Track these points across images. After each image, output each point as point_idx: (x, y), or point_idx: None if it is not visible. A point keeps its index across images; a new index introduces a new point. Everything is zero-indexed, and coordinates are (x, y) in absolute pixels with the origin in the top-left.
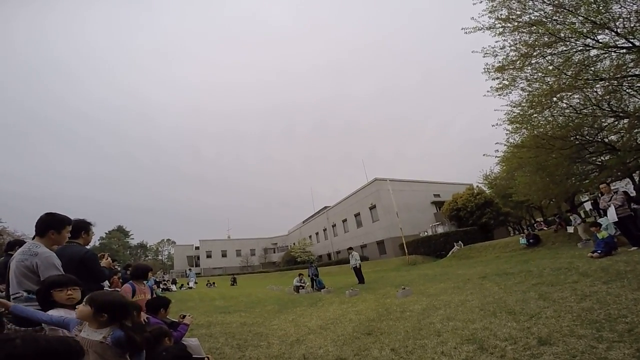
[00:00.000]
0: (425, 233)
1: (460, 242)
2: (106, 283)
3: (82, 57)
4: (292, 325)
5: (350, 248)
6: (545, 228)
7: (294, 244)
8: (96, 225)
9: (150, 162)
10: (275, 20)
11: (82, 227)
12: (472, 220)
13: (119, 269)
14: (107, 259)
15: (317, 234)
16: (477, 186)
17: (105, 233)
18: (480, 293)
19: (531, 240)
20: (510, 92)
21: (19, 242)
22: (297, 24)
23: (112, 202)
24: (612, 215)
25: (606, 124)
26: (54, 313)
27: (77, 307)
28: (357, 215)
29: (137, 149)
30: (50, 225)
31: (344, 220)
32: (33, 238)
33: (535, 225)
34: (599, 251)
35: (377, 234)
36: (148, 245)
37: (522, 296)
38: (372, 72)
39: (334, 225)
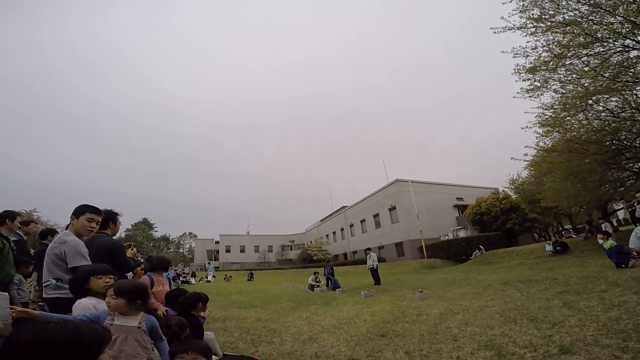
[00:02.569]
0: (446, 237)
1: (482, 247)
2: (130, 275)
3: (107, 55)
4: (306, 323)
5: (368, 249)
6: (574, 236)
7: (311, 242)
8: (122, 216)
9: (174, 156)
10: (292, 15)
11: (109, 218)
12: (495, 225)
13: (142, 260)
14: (133, 249)
15: (334, 233)
16: (503, 190)
17: (131, 225)
18: (501, 299)
19: (558, 248)
20: (542, 94)
21: (51, 231)
22: (313, 18)
23: (138, 194)
24: None
25: None
26: (86, 301)
27: (106, 300)
28: (375, 215)
29: (162, 143)
30: (72, 212)
31: (362, 221)
32: (66, 228)
33: (563, 232)
34: (622, 264)
35: (396, 235)
36: (170, 238)
37: (546, 304)
38: (392, 70)
39: (351, 225)
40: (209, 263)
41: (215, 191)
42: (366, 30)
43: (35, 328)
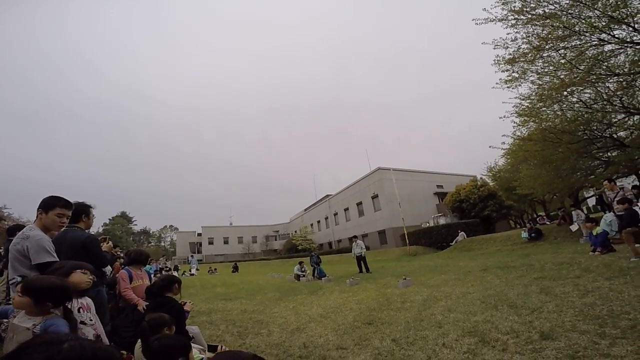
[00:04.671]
0: (427, 224)
1: (463, 232)
2: (108, 269)
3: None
4: (293, 313)
5: (355, 236)
6: (547, 222)
7: (296, 232)
8: (96, 208)
9: (150, 145)
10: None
11: (82, 211)
12: (474, 212)
13: (121, 254)
14: (109, 243)
15: (318, 222)
16: (481, 178)
17: (109, 219)
18: (481, 285)
19: (533, 234)
20: (519, 85)
21: (19, 227)
22: (296, 9)
23: (114, 184)
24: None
25: (616, 119)
26: None
27: (13, 297)
28: (359, 204)
29: (137, 130)
30: (39, 205)
31: (346, 209)
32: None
33: (537, 219)
34: (599, 249)
35: (379, 223)
36: (151, 232)
37: (524, 290)
38: (375, 59)
39: (335, 214)
40: (191, 256)
41: (196, 182)
42: (349, 19)
43: (47, 349)
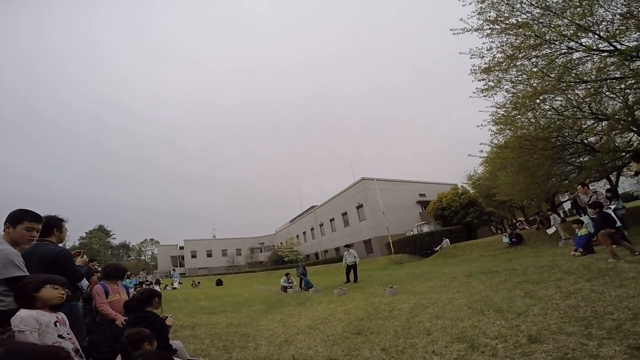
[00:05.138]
0: (411, 232)
1: (447, 239)
2: (85, 283)
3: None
4: (280, 325)
5: (347, 245)
6: (527, 227)
7: (281, 243)
8: (69, 222)
9: (132, 157)
10: (260, 16)
11: (53, 224)
12: (456, 219)
13: (98, 268)
14: (83, 257)
15: (304, 233)
16: (462, 186)
17: (86, 232)
18: (467, 291)
19: (514, 239)
20: (495, 94)
21: None
22: (281, 19)
23: (90, 195)
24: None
25: (586, 125)
26: (25, 313)
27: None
28: (344, 214)
29: (117, 143)
30: (7, 219)
31: (332, 220)
32: None
33: (517, 224)
34: (581, 250)
35: (364, 233)
36: (130, 245)
37: (508, 294)
38: (358, 71)
39: (321, 225)
40: (173, 269)
41: (178, 195)
42: (333, 30)
43: None
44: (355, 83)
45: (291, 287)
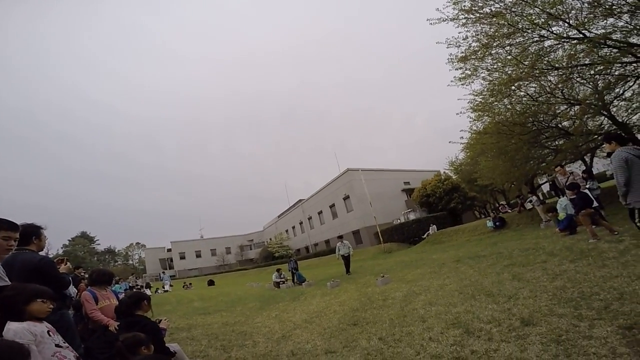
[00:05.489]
0: (398, 220)
1: (434, 226)
2: (74, 290)
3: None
4: (277, 321)
5: (339, 236)
6: (509, 211)
7: (271, 239)
8: (47, 229)
9: (108, 155)
10: (237, 8)
11: (31, 232)
12: (441, 205)
13: (85, 275)
14: (67, 264)
15: (293, 227)
16: (444, 172)
17: (69, 240)
18: (456, 276)
19: (497, 223)
20: (472, 82)
21: None
22: (258, 13)
23: (71, 206)
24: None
25: (560, 110)
26: (17, 326)
27: None
28: (332, 206)
29: (92, 140)
30: None
31: (320, 212)
32: None
33: (499, 208)
34: (565, 229)
35: (353, 224)
36: (116, 250)
37: (497, 278)
38: (336, 64)
39: (309, 218)
40: (163, 272)
41: (161, 196)
42: (311, 22)
43: None
44: (334, 76)
45: (284, 283)
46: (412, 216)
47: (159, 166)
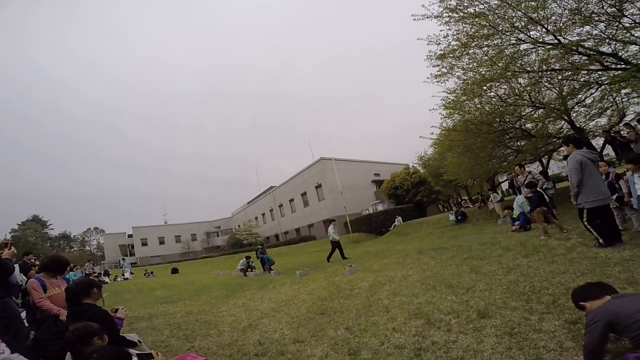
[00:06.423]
0: (367, 211)
1: (399, 217)
2: (21, 278)
3: None
4: (243, 310)
5: (331, 220)
6: (470, 206)
7: (239, 226)
8: None
9: (61, 137)
10: None
11: None
12: (408, 197)
13: (36, 262)
14: (10, 248)
15: (263, 215)
16: (413, 166)
17: (18, 224)
18: (419, 267)
19: (459, 217)
20: (447, 80)
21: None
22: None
23: (21, 189)
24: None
25: (525, 112)
26: None
27: None
28: (303, 194)
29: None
30: None
31: (291, 200)
32: None
33: (462, 203)
34: (519, 225)
35: (323, 212)
36: (72, 236)
37: (457, 270)
38: (315, 53)
39: (280, 205)
40: (123, 259)
41: (121, 180)
42: (293, 8)
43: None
44: (312, 62)
45: (251, 271)
46: (380, 207)
47: (119, 152)
